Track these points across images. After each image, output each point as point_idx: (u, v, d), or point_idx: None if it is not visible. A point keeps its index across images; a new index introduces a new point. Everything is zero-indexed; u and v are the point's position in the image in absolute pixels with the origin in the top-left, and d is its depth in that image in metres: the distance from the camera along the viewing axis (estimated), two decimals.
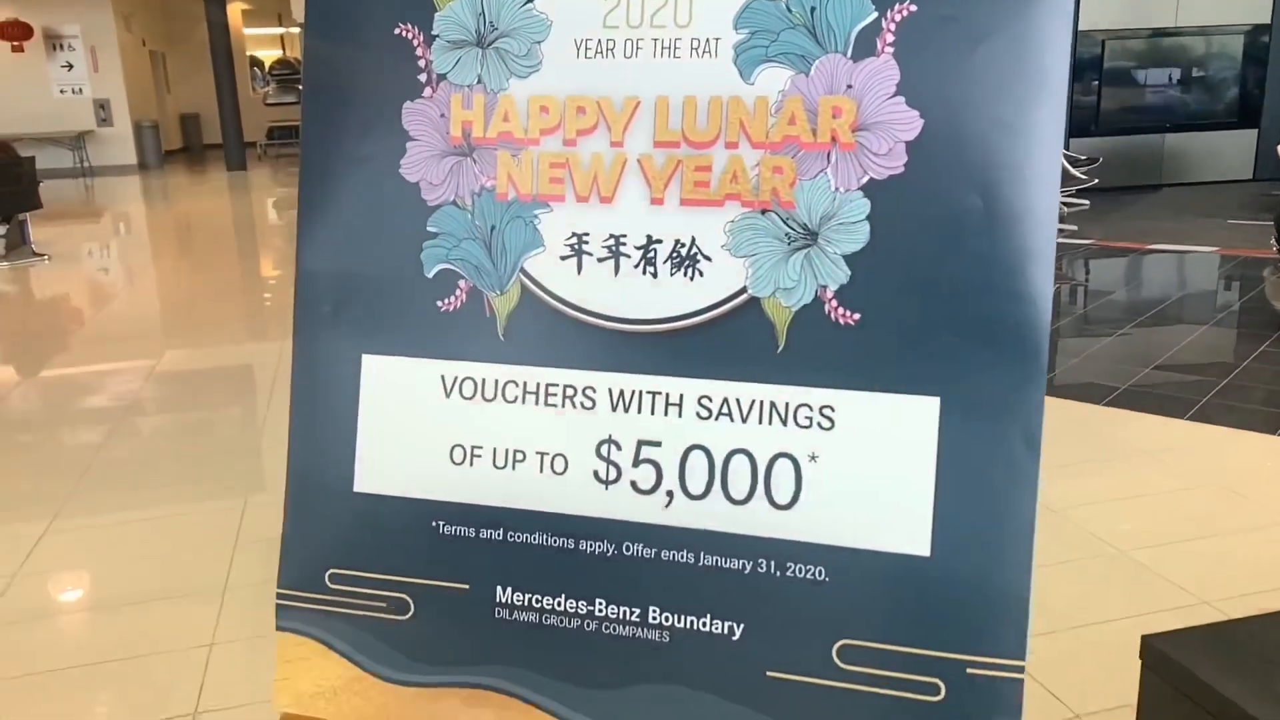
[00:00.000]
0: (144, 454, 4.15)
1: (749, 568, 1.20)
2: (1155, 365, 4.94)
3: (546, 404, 1.26)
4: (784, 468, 1.18)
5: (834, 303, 1.16)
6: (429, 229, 1.28)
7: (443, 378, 1.29)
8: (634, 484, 1.23)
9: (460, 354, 1.28)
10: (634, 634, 1.24)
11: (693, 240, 1.20)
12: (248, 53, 21.68)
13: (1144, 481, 3.56)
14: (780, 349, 1.18)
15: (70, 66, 17.19)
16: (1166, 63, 11.71)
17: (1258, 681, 1.42)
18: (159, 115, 19.53)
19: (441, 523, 1.30)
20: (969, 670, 1.14)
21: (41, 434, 4.45)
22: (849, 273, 1.15)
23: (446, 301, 1.28)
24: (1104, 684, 2.32)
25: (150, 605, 2.84)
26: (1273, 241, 6.39)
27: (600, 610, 1.25)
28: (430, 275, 1.29)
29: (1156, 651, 1.53)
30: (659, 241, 1.22)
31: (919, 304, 1.14)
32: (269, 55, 22.05)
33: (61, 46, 17.07)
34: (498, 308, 1.27)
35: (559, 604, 1.26)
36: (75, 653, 2.62)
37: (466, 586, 1.29)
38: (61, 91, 17.21)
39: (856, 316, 1.16)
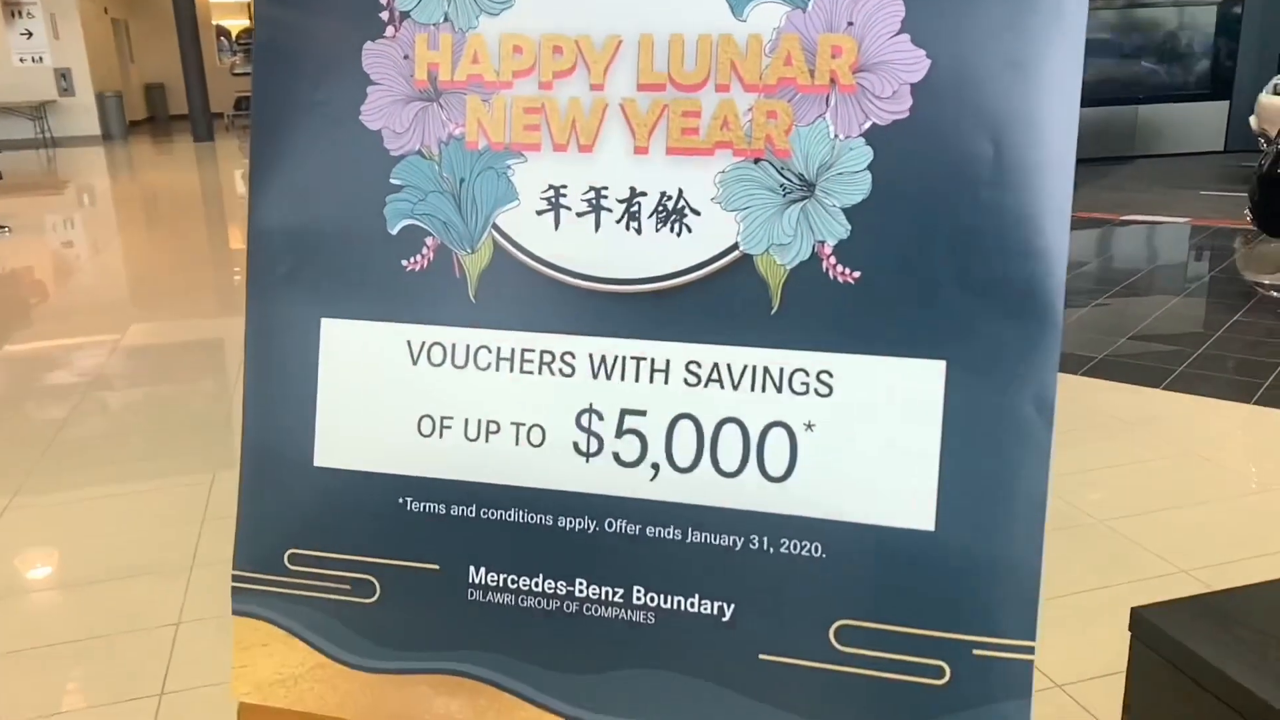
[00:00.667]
0: (109, 429, 4.03)
1: (740, 544, 1.12)
2: (1131, 335, 4.92)
3: (522, 371, 1.17)
4: (778, 437, 1.10)
5: (832, 260, 1.08)
6: (392, 181, 1.18)
7: (409, 343, 1.20)
8: (617, 456, 1.14)
9: (428, 317, 1.19)
10: (617, 616, 1.16)
11: (680, 193, 1.11)
12: (214, 21, 21.24)
13: (1120, 451, 3.53)
14: (774, 310, 1.09)
15: (29, 35, 16.75)
16: (1139, 34, 11.69)
17: (1250, 652, 1.39)
18: (123, 85, 19.11)
19: (409, 499, 1.21)
20: (975, 652, 1.07)
21: (3, 409, 4.32)
22: (848, 227, 1.07)
23: (412, 260, 1.19)
24: (1084, 654, 2.28)
25: (115, 584, 2.75)
26: (1246, 212, 6.38)
27: (581, 591, 1.17)
28: (394, 232, 1.19)
29: (1146, 623, 1.48)
30: (643, 194, 1.12)
31: (924, 260, 1.06)
32: (236, 24, 21.59)
33: (20, 14, 16.63)
34: (468, 267, 1.17)
35: (537, 585, 1.18)
36: (37, 633, 2.52)
37: (437, 567, 1.21)
38: (21, 60, 16.78)
39: (856, 274, 1.07)
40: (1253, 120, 9.99)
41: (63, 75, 17.04)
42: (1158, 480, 3.28)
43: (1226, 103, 11.95)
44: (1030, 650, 1.06)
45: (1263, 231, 6.38)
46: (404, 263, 1.19)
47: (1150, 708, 1.51)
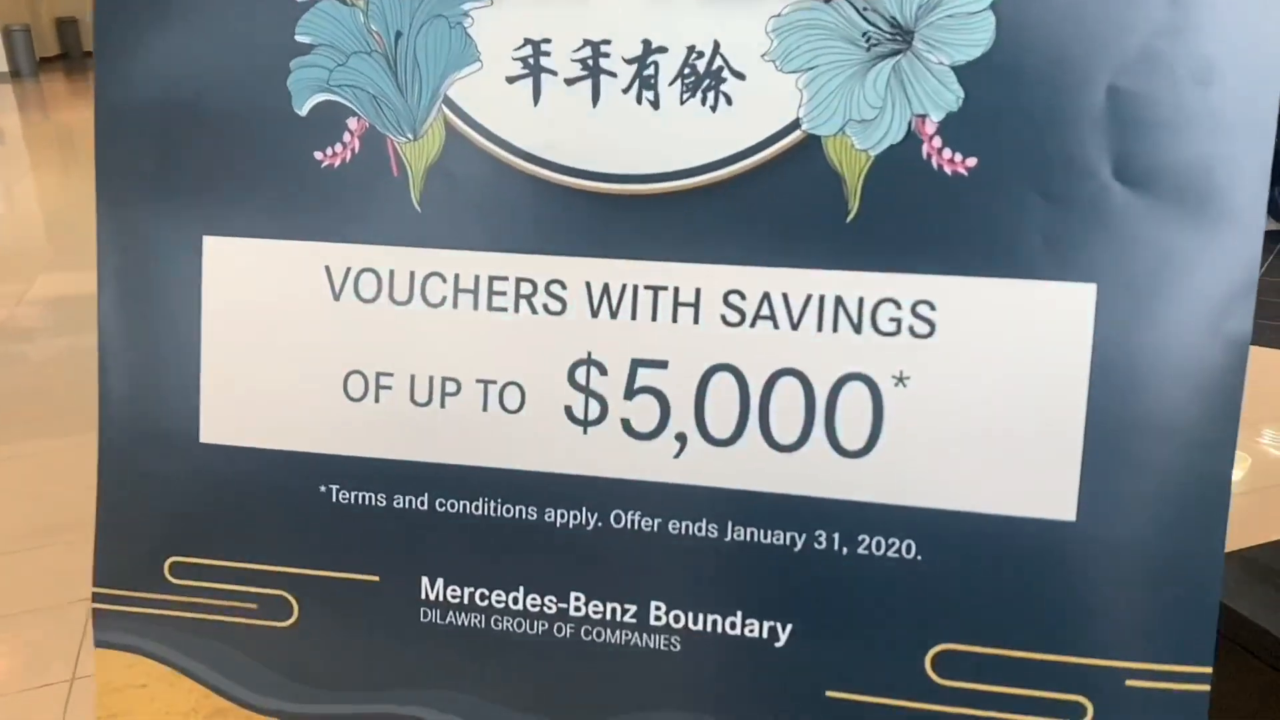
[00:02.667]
0: (12, 386, 3.64)
1: (801, 543, 0.81)
2: None
3: (491, 308, 0.83)
4: (856, 396, 0.78)
5: (936, 142, 0.75)
6: (298, 39, 0.83)
7: (328, 270, 0.85)
8: (627, 424, 0.82)
9: (355, 233, 0.84)
10: (628, 641, 0.84)
11: (715, 47, 0.77)
12: None
13: None
14: (851, 215, 0.77)
15: None
16: None
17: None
18: (30, 19, 17.99)
19: (335, 487, 0.87)
20: (1129, 682, 0.77)
21: None
22: (960, 94, 0.74)
23: (330, 152, 0.84)
24: None
25: (20, 555, 2.41)
26: None
27: (578, 609, 0.85)
28: (303, 111, 0.84)
29: None
30: (662, 50, 0.78)
31: (1067, 141, 0.74)
32: None
33: None
34: (409, 160, 0.83)
35: (516, 601, 0.86)
36: None
37: (376, 578, 0.88)
38: None
39: (971, 162, 0.75)
40: None
41: None
42: None
43: None
44: (1206, 679, 0.77)
45: None
46: (318, 155, 0.84)
47: None
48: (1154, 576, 0.76)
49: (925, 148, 0.75)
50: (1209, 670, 0.77)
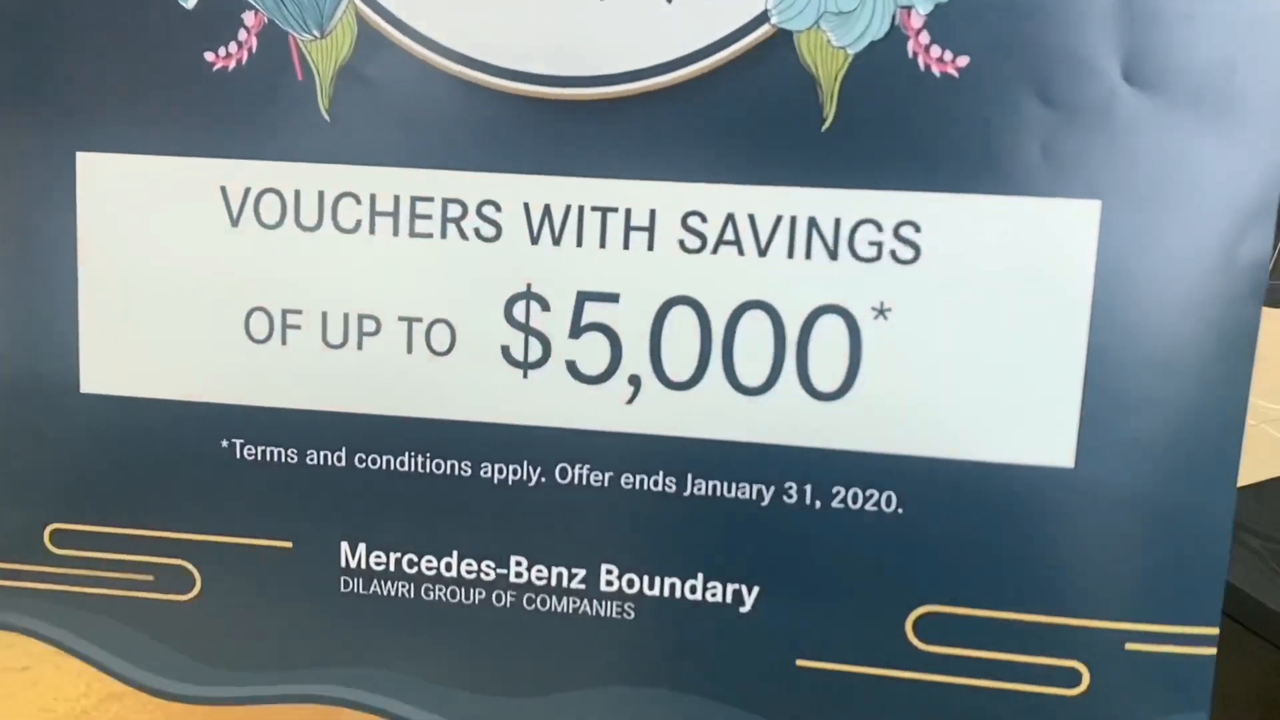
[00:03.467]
0: None
1: (769, 497, 0.72)
2: None
3: (414, 233, 0.72)
4: (831, 330, 0.69)
5: (924, 38, 0.65)
6: None
7: (224, 191, 0.73)
8: (572, 366, 0.72)
9: (253, 148, 0.73)
10: (576, 609, 0.75)
11: None
12: None
13: None
14: (827, 123, 0.67)
15: None
16: None
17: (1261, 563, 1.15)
18: None
19: (240, 442, 0.76)
20: (1129, 646, 0.70)
21: None
22: None
23: (223, 53, 0.72)
24: None
25: None
26: None
27: (519, 574, 0.75)
28: (189, 5, 0.71)
29: None
30: None
31: (1070, 37, 0.65)
32: None
33: None
34: (316, 62, 0.71)
35: (449, 567, 0.76)
36: None
37: (289, 545, 0.77)
38: None
39: (962, 62, 0.66)
40: None
41: None
42: None
43: None
44: (1212, 641, 0.70)
45: None
46: (209, 57, 0.72)
47: None
48: (1158, 529, 0.69)
49: (911, 45, 0.66)
50: (1215, 631, 0.70)
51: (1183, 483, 0.68)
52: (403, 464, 0.74)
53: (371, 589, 0.77)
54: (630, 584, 0.74)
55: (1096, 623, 0.70)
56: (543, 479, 0.73)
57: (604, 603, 0.75)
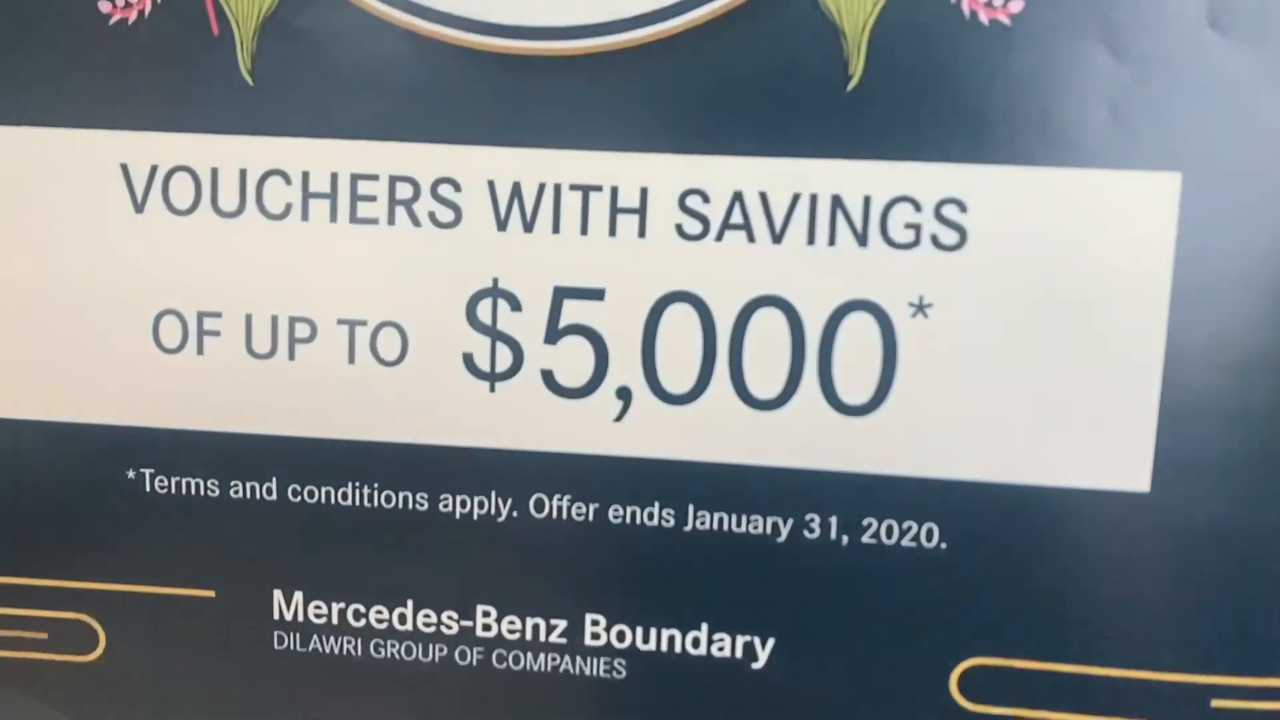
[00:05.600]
0: None
1: (786, 532, 0.60)
2: None
3: (355, 219, 0.60)
4: (859, 330, 0.58)
5: None
6: None
7: (125, 169, 0.61)
8: (549, 377, 0.60)
9: (160, 117, 0.60)
10: (556, 667, 0.63)
11: None
12: None
13: None
14: (854, 82, 0.56)
15: None
16: None
17: None
18: None
19: (149, 472, 0.63)
20: (1215, 703, 0.59)
21: None
22: None
23: (121, 3, 0.59)
24: None
25: None
26: None
27: (487, 627, 0.63)
28: None
29: None
30: None
31: None
32: None
33: None
34: (235, 12, 0.59)
35: (402, 619, 0.64)
36: None
37: (211, 593, 0.65)
38: None
39: (1015, 7, 0.54)
40: None
41: None
42: None
43: None
44: None
45: None
46: (104, 7, 0.59)
47: None
48: (1247, 564, 0.58)
49: None
50: None
51: (1276, 510, 0.57)
52: (345, 496, 0.62)
53: (310, 645, 0.64)
54: (620, 637, 0.62)
55: (1176, 676, 0.59)
56: (514, 513, 0.61)
57: (589, 659, 0.63)
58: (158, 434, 0.63)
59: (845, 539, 0.60)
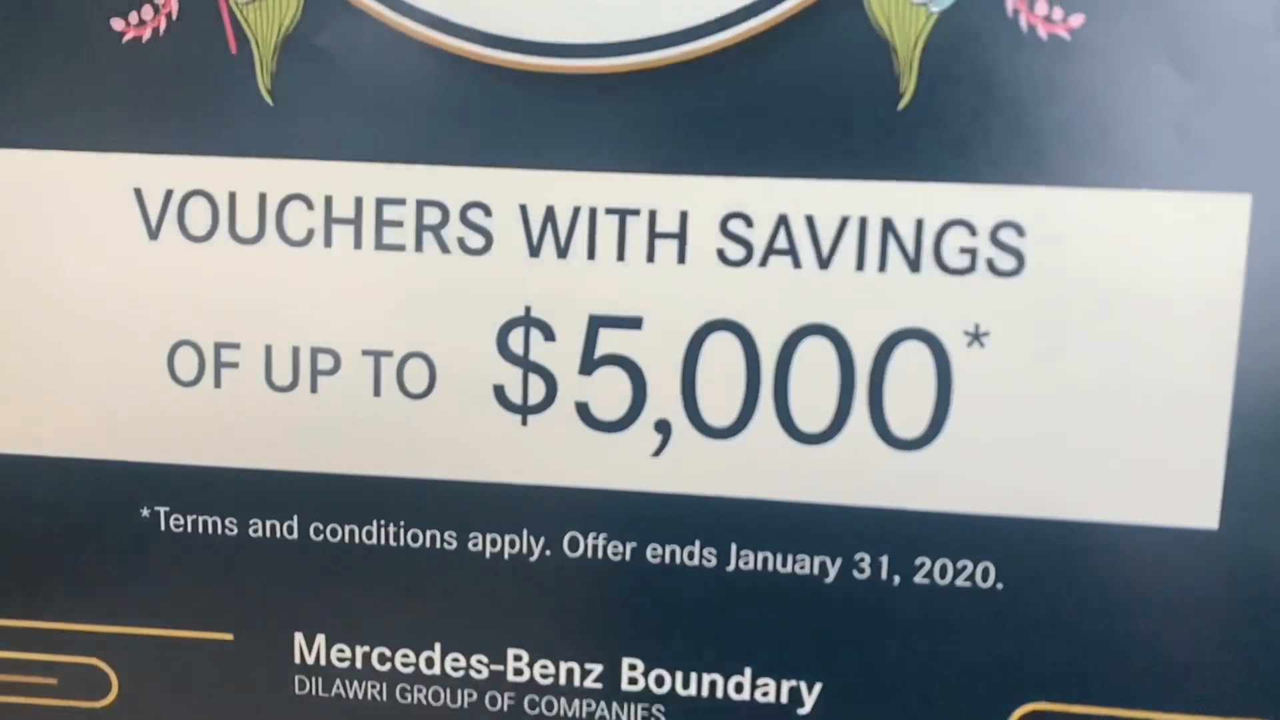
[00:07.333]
0: None
1: (835, 572, 0.57)
2: None
3: (381, 245, 0.57)
4: (912, 360, 0.55)
5: None
6: None
7: (139, 194, 0.58)
8: (584, 410, 0.57)
9: (176, 140, 0.57)
10: (592, 713, 0.60)
11: None
12: None
13: None
14: (906, 100, 0.53)
15: None
16: None
17: None
18: None
19: (164, 510, 0.61)
20: None
21: None
22: None
23: (135, 20, 0.56)
24: None
25: None
26: None
27: (519, 671, 0.60)
28: None
29: None
30: None
31: None
32: None
33: None
34: (254, 29, 0.56)
35: (430, 663, 0.61)
36: None
37: (229, 636, 0.62)
38: None
39: (1076, 21, 0.52)
40: None
41: None
42: None
43: None
44: None
45: None
46: (117, 25, 0.56)
47: None
48: None
49: (1011, 1, 0.52)
50: None
51: None
52: (370, 535, 0.59)
53: (334, 690, 0.61)
54: (659, 682, 0.59)
55: None
56: (548, 551, 0.58)
57: (626, 705, 0.60)
58: (173, 470, 0.60)
59: (897, 579, 0.57)
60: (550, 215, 0.56)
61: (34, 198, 0.59)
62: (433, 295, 0.57)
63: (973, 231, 0.54)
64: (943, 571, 0.56)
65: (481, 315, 0.57)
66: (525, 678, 0.60)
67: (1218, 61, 0.51)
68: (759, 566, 0.57)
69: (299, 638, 0.61)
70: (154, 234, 0.58)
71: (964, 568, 0.56)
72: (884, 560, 0.57)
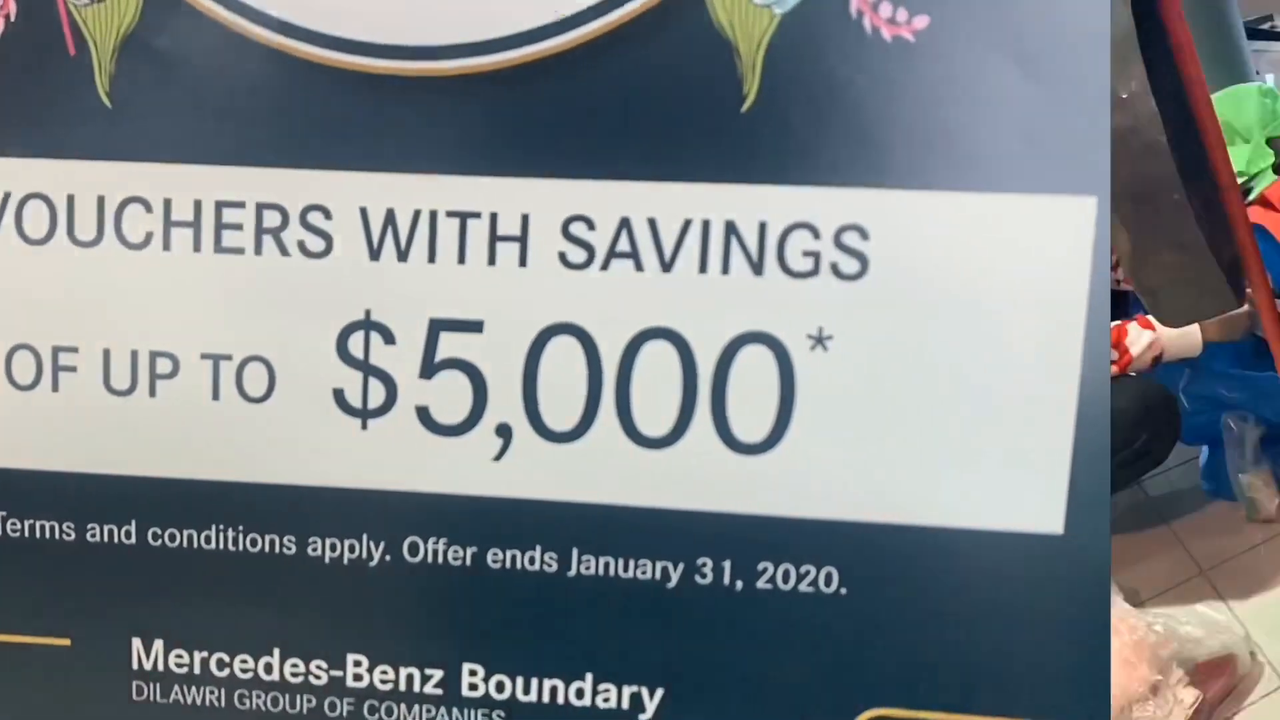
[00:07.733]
0: None
1: (677, 577, 0.56)
2: None
3: (220, 248, 0.56)
4: (755, 364, 0.54)
5: None
6: None
7: None
8: (424, 414, 0.56)
9: (13, 141, 0.57)
10: (432, 718, 0.59)
11: None
12: None
13: None
14: (749, 102, 0.53)
15: None
16: None
17: None
18: None
19: (1, 515, 0.59)
20: None
21: None
22: None
23: None
24: None
25: None
26: None
27: (359, 677, 0.59)
28: None
29: None
30: None
31: None
32: None
33: None
34: (93, 31, 0.55)
35: (268, 669, 0.60)
36: None
37: (66, 642, 0.61)
38: None
39: (920, 23, 0.52)
40: None
41: None
42: None
43: None
44: None
45: None
46: None
47: None
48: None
49: (855, 2, 0.52)
50: None
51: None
52: (209, 540, 0.58)
53: (172, 696, 0.60)
54: (500, 687, 0.59)
55: None
56: (387, 557, 0.58)
57: (466, 711, 0.59)
58: (10, 475, 0.59)
59: (739, 584, 0.56)
60: (391, 218, 0.55)
61: None
62: (272, 298, 0.56)
63: (816, 234, 0.53)
64: (786, 576, 0.56)
65: (321, 318, 0.56)
66: (365, 683, 0.59)
67: (1062, 64, 0.52)
68: (600, 572, 0.57)
69: (137, 643, 0.60)
70: None
71: (807, 573, 0.56)
72: (726, 565, 0.56)
